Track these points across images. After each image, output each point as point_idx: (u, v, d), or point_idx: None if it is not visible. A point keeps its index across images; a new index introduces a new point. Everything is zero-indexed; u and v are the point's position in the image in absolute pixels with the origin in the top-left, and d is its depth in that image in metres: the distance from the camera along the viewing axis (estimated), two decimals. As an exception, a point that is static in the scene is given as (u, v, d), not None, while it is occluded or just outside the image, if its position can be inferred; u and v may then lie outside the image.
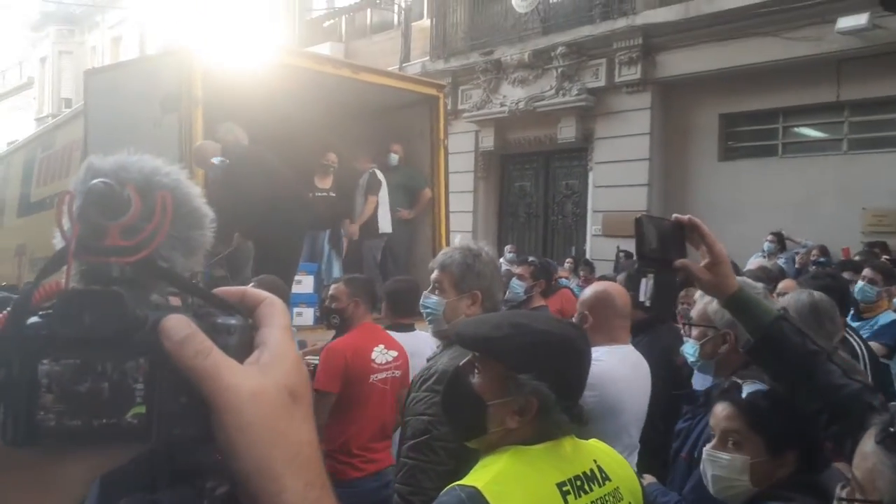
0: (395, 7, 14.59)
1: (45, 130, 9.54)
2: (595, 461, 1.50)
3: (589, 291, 2.89)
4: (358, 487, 3.37)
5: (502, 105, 12.13)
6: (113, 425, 0.49)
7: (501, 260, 11.42)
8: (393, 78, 7.24)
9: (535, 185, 12.72)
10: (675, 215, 1.58)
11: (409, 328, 4.06)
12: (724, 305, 1.62)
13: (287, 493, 0.52)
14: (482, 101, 12.49)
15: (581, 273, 10.19)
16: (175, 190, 0.61)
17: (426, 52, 13.35)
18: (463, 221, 12.85)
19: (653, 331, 3.43)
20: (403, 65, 13.57)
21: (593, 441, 1.59)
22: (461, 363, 1.58)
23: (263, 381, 0.53)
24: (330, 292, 3.78)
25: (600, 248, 11.08)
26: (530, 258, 6.27)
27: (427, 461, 2.03)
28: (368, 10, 15.52)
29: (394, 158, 7.31)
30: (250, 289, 0.61)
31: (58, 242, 0.58)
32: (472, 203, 13.07)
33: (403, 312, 4.04)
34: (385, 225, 6.90)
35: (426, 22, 13.65)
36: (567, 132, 11.42)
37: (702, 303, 2.27)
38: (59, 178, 7.94)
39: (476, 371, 1.52)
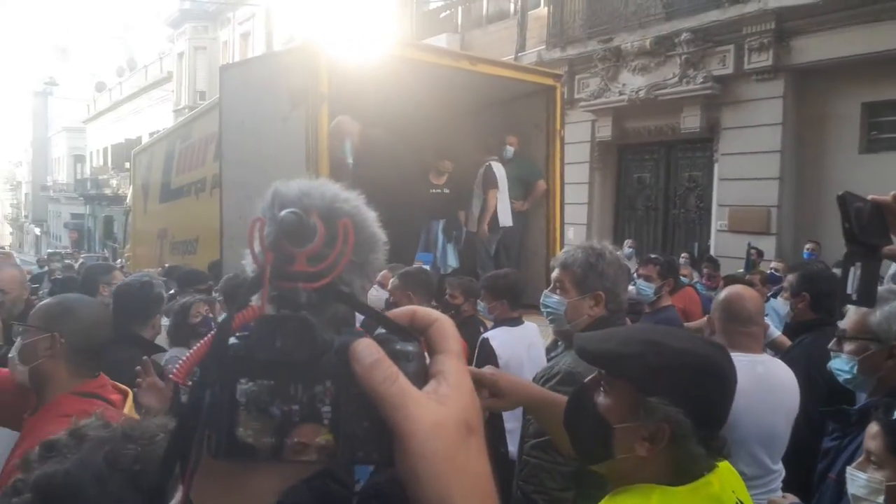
0: (512, -4, 14.51)
1: (183, 123, 10.21)
2: (733, 492, 1.38)
3: (721, 295, 2.77)
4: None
5: (621, 93, 11.79)
6: (303, 444, 0.52)
7: (619, 254, 11.11)
8: (510, 69, 7.19)
9: (655, 177, 12.29)
10: (871, 196, 1.41)
11: (518, 322, 4.06)
12: None
13: None
14: (600, 90, 12.19)
15: (705, 270, 9.75)
16: (354, 216, 0.63)
17: (542, 41, 13.17)
18: (577, 213, 12.63)
19: (819, 332, 3.15)
20: (519, 54, 13.47)
21: (724, 465, 1.43)
22: (587, 379, 1.46)
23: (445, 412, 0.54)
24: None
25: (726, 243, 10.56)
26: (652, 255, 6.04)
27: (550, 461, 2.02)
28: (485, 0, 15.50)
29: (509, 151, 7.27)
30: (420, 309, 0.61)
31: (248, 265, 0.61)
32: (588, 195, 12.82)
33: (513, 306, 4.06)
34: (505, 218, 6.87)
35: (543, 10, 13.46)
36: (691, 122, 10.94)
37: (858, 313, 2.08)
38: (196, 168, 8.48)
39: (602, 390, 1.40)
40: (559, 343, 2.80)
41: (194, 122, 8.93)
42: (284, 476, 0.56)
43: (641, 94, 11.34)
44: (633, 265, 10.61)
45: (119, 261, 16.35)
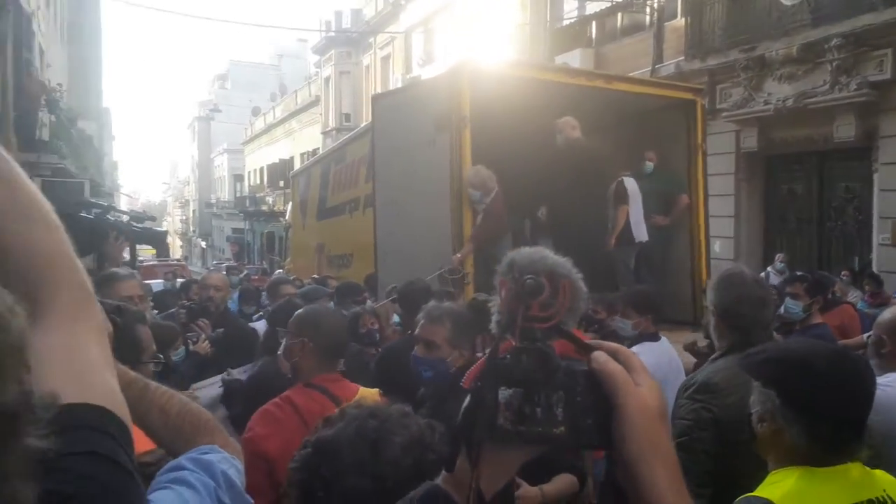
0: (647, 8, 14.37)
1: (337, 147, 11.07)
2: (885, 490, 1.54)
3: (888, 314, 2.71)
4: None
5: (766, 103, 11.38)
6: (546, 433, 0.80)
7: (769, 269, 10.73)
8: (648, 85, 7.27)
9: (807, 188, 11.71)
10: None
11: (657, 336, 4.12)
12: None
13: (658, 479, 0.79)
14: (743, 100, 11.83)
15: (867, 287, 9.19)
16: (569, 276, 0.91)
17: (679, 52, 12.97)
18: (723, 227, 12.24)
19: None
20: (656, 66, 13.33)
21: (880, 472, 1.61)
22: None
23: (651, 398, 0.82)
24: None
25: (889, 258, 9.92)
26: (799, 273, 5.89)
27: (688, 460, 2.22)
28: (619, 14, 15.46)
29: (648, 166, 7.30)
30: (622, 348, 0.87)
31: (494, 308, 0.91)
32: (734, 207, 12.41)
33: (656, 321, 4.12)
34: (640, 233, 6.90)
35: (680, 21, 13.25)
36: (845, 130, 10.38)
37: None
38: (350, 188, 9.20)
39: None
40: None
41: (347, 147, 9.69)
42: (527, 452, 0.85)
43: (789, 102, 10.90)
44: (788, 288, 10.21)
45: (277, 271, 17.75)
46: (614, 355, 0.83)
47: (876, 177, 10.37)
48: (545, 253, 0.95)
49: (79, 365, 0.85)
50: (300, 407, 2.39)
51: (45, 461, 0.60)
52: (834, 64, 10.28)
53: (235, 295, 7.46)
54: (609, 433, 0.80)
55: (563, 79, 6.56)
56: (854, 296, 8.97)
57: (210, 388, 3.57)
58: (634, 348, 3.92)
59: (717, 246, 11.98)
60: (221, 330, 4.50)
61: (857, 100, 10.09)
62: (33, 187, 0.95)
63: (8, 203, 0.90)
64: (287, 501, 1.69)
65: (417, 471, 1.25)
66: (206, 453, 1.17)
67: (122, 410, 0.87)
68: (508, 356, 0.83)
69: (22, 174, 0.95)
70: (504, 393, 0.80)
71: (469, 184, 5.91)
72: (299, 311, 2.72)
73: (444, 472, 0.88)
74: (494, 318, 0.91)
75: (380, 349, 4.31)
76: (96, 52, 31.96)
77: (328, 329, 2.58)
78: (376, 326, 4.29)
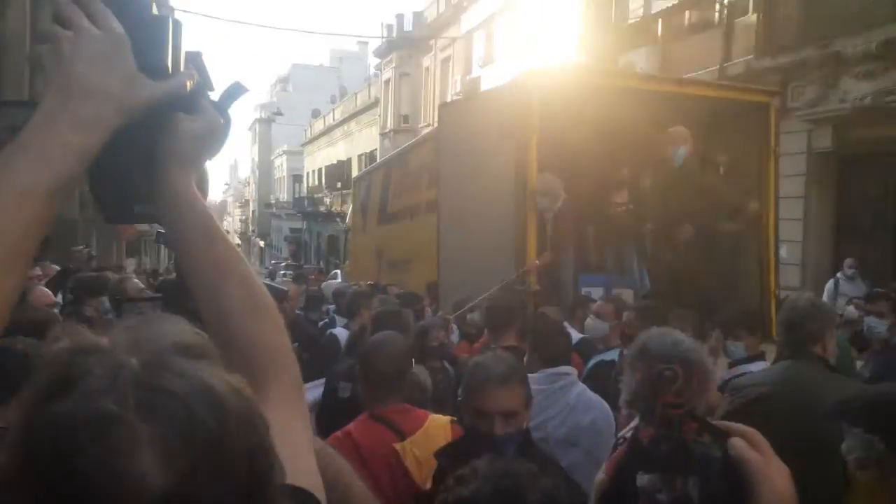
0: (717, 5, 13.96)
1: (400, 153, 11.15)
2: None
3: None
4: None
5: (842, 101, 10.91)
6: None
7: (839, 275, 10.30)
8: (720, 88, 7.07)
9: (883, 191, 11.18)
10: None
11: (763, 357, 3.92)
12: None
13: None
14: (817, 98, 11.37)
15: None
16: (702, 364, 0.92)
17: (749, 50, 12.55)
18: (792, 230, 11.81)
19: None
20: (724, 64, 12.94)
21: None
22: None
23: (782, 485, 0.85)
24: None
25: (968, 267, 9.39)
26: (879, 289, 5.60)
27: None
28: (687, 11, 15.07)
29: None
30: (752, 431, 0.89)
31: (625, 389, 0.93)
32: (803, 210, 11.97)
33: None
34: None
35: (751, 18, 12.83)
36: (925, 130, 9.88)
37: None
38: (412, 193, 9.25)
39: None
40: None
41: (410, 152, 9.75)
42: None
43: (867, 101, 10.43)
44: (856, 287, 9.79)
45: (334, 272, 18.00)
46: (745, 438, 0.86)
47: (960, 178, 9.83)
48: (677, 337, 0.95)
49: (290, 448, 0.88)
50: (361, 445, 2.39)
51: None
52: (915, 60, 9.79)
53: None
54: None
55: (634, 84, 6.44)
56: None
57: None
58: (751, 366, 3.75)
59: (784, 250, 11.58)
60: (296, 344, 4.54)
61: (941, 98, 9.58)
62: (258, 281, 1.03)
63: (244, 302, 0.98)
64: None
65: None
66: None
67: (321, 494, 0.93)
68: (647, 445, 0.86)
69: (250, 269, 1.03)
70: (642, 478, 0.84)
71: (538, 191, 5.87)
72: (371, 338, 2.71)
73: None
74: (623, 396, 0.92)
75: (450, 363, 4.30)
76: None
77: (385, 359, 2.54)
78: (447, 341, 4.28)
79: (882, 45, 10.16)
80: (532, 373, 3.00)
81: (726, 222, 6.98)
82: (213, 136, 0.96)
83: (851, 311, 7.20)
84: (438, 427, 2.46)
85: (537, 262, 5.88)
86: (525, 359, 3.11)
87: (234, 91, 1.01)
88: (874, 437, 1.54)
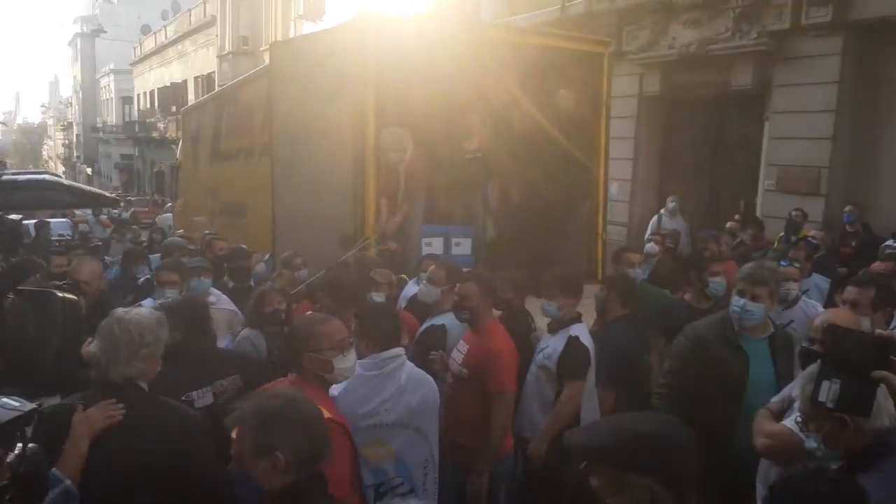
0: (560, -56, 13.98)
1: (231, 87, 10.34)
2: None
3: (818, 321, 2.68)
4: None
5: (671, 47, 11.45)
6: None
7: (662, 211, 11.06)
8: (557, 38, 7.08)
9: (704, 134, 12.02)
10: (878, 331, 1.60)
11: (580, 319, 4.01)
12: None
13: None
14: (649, 43, 11.85)
15: (749, 231, 9.64)
16: None
17: (591, -9, 12.78)
18: (622, 169, 12.47)
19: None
20: (567, 4, 13.11)
21: None
22: (581, 467, 1.73)
23: None
24: (459, 291, 3.73)
25: (773, 204, 10.39)
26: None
27: None
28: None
29: None
30: None
31: None
32: (633, 150, 12.64)
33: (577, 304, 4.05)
34: None
35: (593, -41, 12.99)
36: (742, 78, 10.62)
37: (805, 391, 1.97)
38: (245, 134, 8.64)
39: (593, 475, 1.69)
40: None
41: (242, 88, 9.06)
42: None
43: (692, 48, 11.00)
44: (677, 222, 10.57)
45: (165, 215, 16.82)
46: None
47: (767, 125, 10.73)
48: None
49: None
50: None
51: None
52: (736, 11, 10.40)
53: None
54: None
55: (473, 32, 6.28)
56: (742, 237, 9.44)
57: None
58: (573, 329, 3.82)
59: (614, 189, 12.23)
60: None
61: (756, 48, 10.29)
62: None
63: None
64: None
65: None
66: None
67: None
68: None
69: None
70: None
71: (386, 147, 5.65)
72: None
73: None
74: None
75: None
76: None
77: None
78: (283, 306, 4.05)
79: (707, -6, 10.69)
80: (362, 358, 2.90)
81: (564, 170, 7.15)
82: None
83: (651, 247, 7.77)
84: None
85: (396, 220, 5.76)
86: (353, 343, 2.99)
87: None
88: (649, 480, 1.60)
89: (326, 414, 2.25)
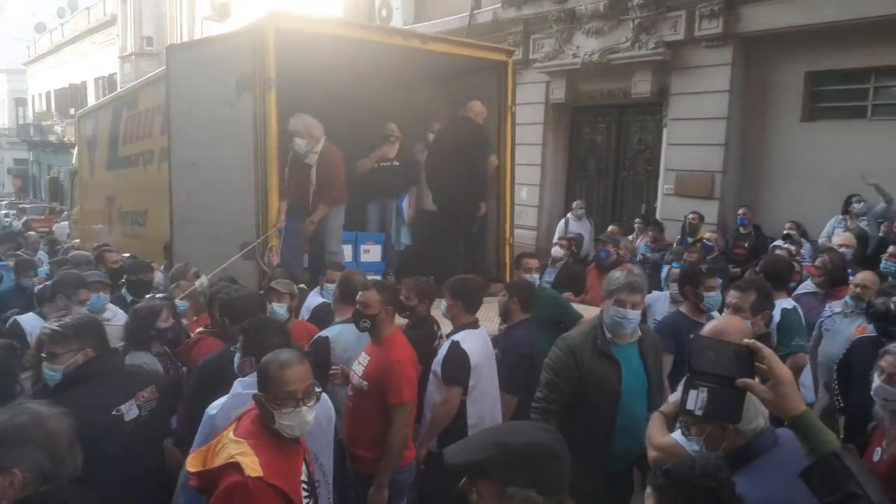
0: (468, -47, 14.17)
1: (129, 91, 9.92)
2: None
3: (708, 327, 2.63)
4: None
5: (575, 56, 11.79)
6: None
7: (569, 215, 11.36)
8: (462, 46, 7.15)
9: (607, 140, 12.43)
10: (745, 340, 1.67)
11: (475, 325, 4.05)
12: (788, 426, 1.66)
13: None
14: (554, 52, 12.16)
15: (650, 233, 10.05)
16: None
17: (497, 0, 13.02)
18: (531, 174, 12.75)
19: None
20: (474, 12, 13.30)
21: None
22: (459, 485, 1.72)
23: None
24: (360, 299, 3.64)
25: (671, 207, 10.86)
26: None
27: None
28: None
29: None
30: None
31: None
32: (541, 156, 12.93)
33: (469, 310, 4.05)
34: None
35: (502, -33, 13.22)
36: (642, 86, 11.05)
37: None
38: (143, 138, 8.32)
39: (473, 490, 1.70)
40: None
41: (141, 92, 8.71)
42: None
43: (595, 57, 11.37)
44: (583, 225, 10.91)
45: (62, 223, 15.97)
46: None
47: (665, 131, 11.20)
48: None
49: None
50: None
51: None
52: (636, 22, 10.81)
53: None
54: None
55: (379, 38, 6.25)
56: (642, 241, 9.85)
57: None
58: (459, 335, 3.83)
59: (523, 193, 12.49)
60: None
61: (654, 58, 10.72)
62: None
63: None
64: None
65: None
66: None
67: None
68: None
69: None
70: None
71: (293, 131, 5.54)
72: None
73: None
74: None
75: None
76: None
77: None
78: (170, 323, 3.89)
79: (608, 5, 11.07)
80: (245, 377, 2.82)
81: (473, 176, 7.22)
82: None
83: (557, 251, 8.02)
84: None
85: (312, 220, 5.64)
86: (237, 361, 2.91)
87: None
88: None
89: (255, 474, 2.13)
